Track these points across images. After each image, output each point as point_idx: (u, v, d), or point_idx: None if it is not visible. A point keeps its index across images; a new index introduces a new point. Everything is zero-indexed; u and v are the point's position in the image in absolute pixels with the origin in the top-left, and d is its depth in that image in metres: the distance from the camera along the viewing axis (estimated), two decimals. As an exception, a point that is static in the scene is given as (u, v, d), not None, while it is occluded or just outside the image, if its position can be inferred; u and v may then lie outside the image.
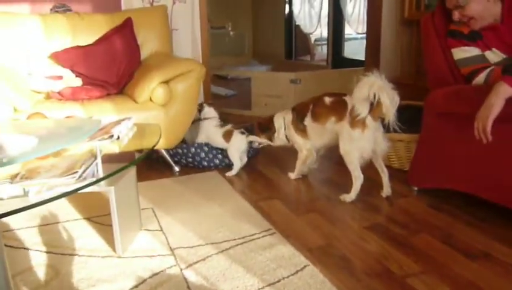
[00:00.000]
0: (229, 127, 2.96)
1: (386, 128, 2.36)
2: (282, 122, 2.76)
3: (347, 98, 2.42)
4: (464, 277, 1.71)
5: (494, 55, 2.13)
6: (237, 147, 2.90)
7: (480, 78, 2.14)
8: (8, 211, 1.24)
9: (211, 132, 2.99)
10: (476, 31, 2.15)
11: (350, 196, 2.40)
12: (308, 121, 2.60)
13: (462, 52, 2.20)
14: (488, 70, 2.12)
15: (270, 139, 2.84)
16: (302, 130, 2.66)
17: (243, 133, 2.92)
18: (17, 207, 1.26)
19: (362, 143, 2.35)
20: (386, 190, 2.46)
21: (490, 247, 1.92)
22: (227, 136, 2.92)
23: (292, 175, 2.80)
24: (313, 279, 1.67)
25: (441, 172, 2.34)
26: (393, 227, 2.12)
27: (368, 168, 2.47)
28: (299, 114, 2.67)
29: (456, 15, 2.16)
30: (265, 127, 2.83)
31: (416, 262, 1.82)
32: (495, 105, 1.87)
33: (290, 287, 1.62)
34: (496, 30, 2.10)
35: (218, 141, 2.96)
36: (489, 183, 2.10)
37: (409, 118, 2.70)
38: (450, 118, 2.23)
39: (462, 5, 2.10)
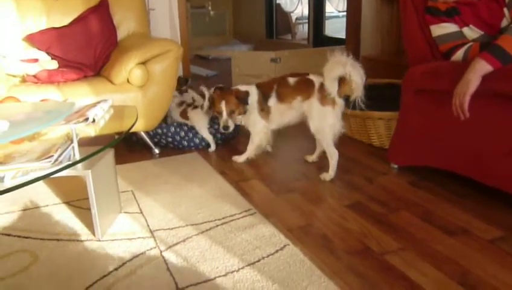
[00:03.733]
0: (183, 106, 3.03)
1: (352, 106, 2.41)
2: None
3: (312, 77, 2.43)
4: (442, 252, 1.74)
5: (472, 32, 2.13)
6: (197, 122, 2.92)
7: (459, 55, 2.14)
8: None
9: (172, 108, 3.06)
10: (454, 7, 2.15)
11: (329, 175, 2.41)
12: (273, 101, 2.53)
13: (440, 29, 2.20)
14: (466, 46, 2.12)
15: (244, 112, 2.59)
16: (266, 112, 2.57)
17: (195, 107, 2.95)
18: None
19: (333, 120, 2.39)
20: (329, 174, 2.44)
21: (469, 223, 1.95)
22: (184, 115, 2.99)
23: (240, 158, 2.72)
24: (292, 258, 1.67)
25: (420, 149, 2.35)
26: (373, 205, 2.14)
27: (345, 146, 2.48)
28: (264, 94, 2.55)
29: None
30: (244, 99, 2.53)
31: (395, 239, 1.84)
32: (472, 81, 1.88)
33: (269, 267, 1.63)
34: (473, 7, 2.10)
35: (178, 119, 3.04)
36: (467, 160, 2.11)
37: (390, 96, 2.72)
38: (428, 95, 2.24)
39: None
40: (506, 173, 1.95)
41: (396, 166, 2.54)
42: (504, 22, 2.02)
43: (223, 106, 2.49)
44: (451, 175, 2.26)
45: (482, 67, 1.87)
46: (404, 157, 2.49)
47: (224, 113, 2.50)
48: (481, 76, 1.87)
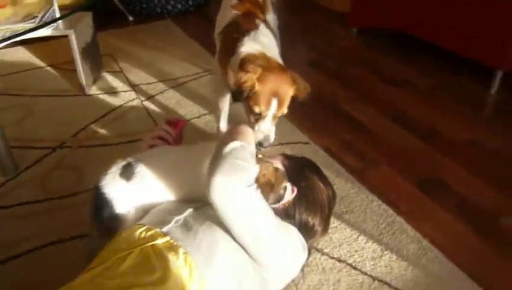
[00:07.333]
0: None
1: None
2: None
3: None
4: (383, 98, 2.05)
5: None
6: None
7: None
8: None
9: None
10: None
11: None
12: None
13: None
14: None
15: None
16: None
17: None
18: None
19: None
20: None
21: (409, 76, 2.24)
22: None
23: None
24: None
25: (378, 12, 2.55)
26: (329, 63, 2.39)
27: (309, 11, 2.63)
28: None
29: None
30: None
31: (345, 90, 2.12)
32: None
33: (232, 110, 1.78)
34: None
35: None
36: (419, 21, 2.34)
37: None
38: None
39: None
40: (447, 31, 2.20)
41: (355, 30, 2.75)
42: None
43: (271, 105, 1.33)
44: (401, 37, 2.49)
45: None
46: (363, 21, 2.69)
47: (269, 118, 1.36)
48: None
